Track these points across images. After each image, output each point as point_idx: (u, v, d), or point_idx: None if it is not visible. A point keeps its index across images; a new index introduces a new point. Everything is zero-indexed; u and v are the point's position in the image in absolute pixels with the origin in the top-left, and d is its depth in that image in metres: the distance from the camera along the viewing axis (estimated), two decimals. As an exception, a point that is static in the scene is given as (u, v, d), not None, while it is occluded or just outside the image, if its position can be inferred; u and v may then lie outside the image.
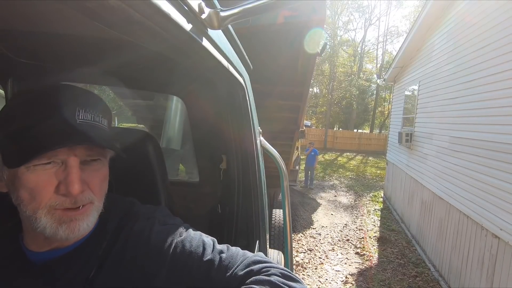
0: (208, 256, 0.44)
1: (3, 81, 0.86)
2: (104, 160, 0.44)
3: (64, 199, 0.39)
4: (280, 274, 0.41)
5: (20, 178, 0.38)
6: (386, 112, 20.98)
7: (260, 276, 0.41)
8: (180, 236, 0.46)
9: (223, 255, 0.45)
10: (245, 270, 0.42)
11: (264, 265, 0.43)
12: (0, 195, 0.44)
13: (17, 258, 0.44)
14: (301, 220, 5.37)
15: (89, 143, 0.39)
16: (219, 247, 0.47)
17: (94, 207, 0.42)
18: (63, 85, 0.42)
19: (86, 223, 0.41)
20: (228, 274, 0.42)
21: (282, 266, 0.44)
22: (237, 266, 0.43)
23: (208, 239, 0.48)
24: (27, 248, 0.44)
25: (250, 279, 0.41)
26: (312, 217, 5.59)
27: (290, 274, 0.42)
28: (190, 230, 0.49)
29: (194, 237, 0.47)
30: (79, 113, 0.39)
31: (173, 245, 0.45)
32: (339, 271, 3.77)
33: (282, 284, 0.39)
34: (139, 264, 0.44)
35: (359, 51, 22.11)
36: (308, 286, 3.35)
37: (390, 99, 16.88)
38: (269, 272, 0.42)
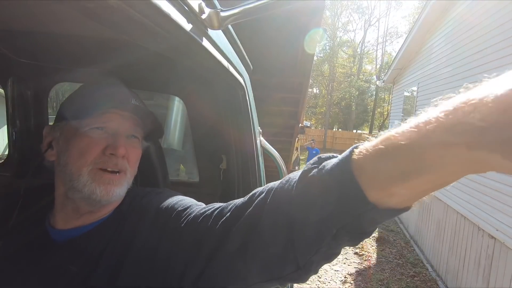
0: (187, 205, 0.46)
1: (3, 81, 0.86)
2: (141, 143, 0.51)
3: (108, 159, 0.45)
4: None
5: (77, 138, 0.45)
6: (386, 113, 21.02)
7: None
8: (168, 197, 0.50)
9: (201, 206, 0.46)
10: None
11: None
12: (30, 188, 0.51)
13: (42, 239, 0.47)
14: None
15: (139, 116, 0.49)
16: (199, 203, 0.49)
17: (127, 178, 0.48)
18: (117, 82, 0.53)
19: (119, 190, 0.46)
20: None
21: None
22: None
23: (195, 201, 0.50)
24: (52, 228, 0.48)
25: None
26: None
27: None
28: (181, 195, 0.53)
29: (181, 197, 0.51)
30: (132, 99, 0.49)
31: (159, 204, 0.48)
32: (338, 271, 3.77)
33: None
34: (136, 232, 0.46)
35: (359, 52, 22.15)
36: (307, 286, 3.35)
37: (389, 100, 16.94)
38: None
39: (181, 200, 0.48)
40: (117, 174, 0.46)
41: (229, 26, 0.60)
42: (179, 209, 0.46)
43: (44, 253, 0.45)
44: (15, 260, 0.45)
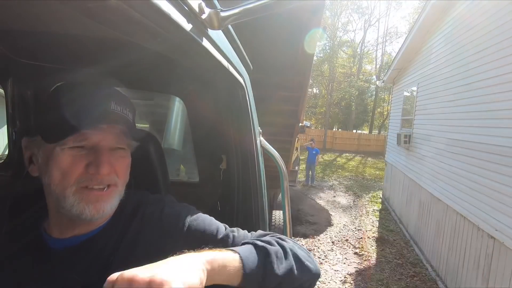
0: (221, 235, 0.47)
1: (3, 81, 0.86)
2: (128, 150, 0.49)
3: (92, 177, 0.43)
4: (276, 237, 0.47)
5: (55, 158, 0.42)
6: (385, 113, 21.03)
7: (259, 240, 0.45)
8: (192, 216, 0.49)
9: (235, 234, 0.48)
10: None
11: (268, 234, 0.49)
12: (20, 191, 0.49)
13: (37, 245, 0.46)
14: (300, 220, 5.37)
15: (120, 124, 0.45)
16: (230, 229, 0.50)
17: (117, 191, 0.46)
18: (101, 83, 0.48)
19: (110, 205, 0.44)
20: None
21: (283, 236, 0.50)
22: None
23: (219, 222, 0.51)
24: (49, 236, 0.46)
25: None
26: (311, 218, 5.60)
27: (284, 237, 0.48)
28: (200, 213, 0.51)
29: (206, 218, 0.50)
30: (112, 104, 0.45)
31: (187, 224, 0.47)
32: (338, 271, 3.77)
33: (274, 238, 0.45)
34: (152, 245, 0.46)
35: (359, 52, 22.15)
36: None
37: (389, 100, 16.94)
38: (268, 236, 0.47)
39: (210, 225, 0.48)
40: (106, 189, 0.44)
41: (229, 26, 0.60)
42: (220, 237, 0.47)
43: (43, 262, 0.44)
44: (11, 268, 0.44)
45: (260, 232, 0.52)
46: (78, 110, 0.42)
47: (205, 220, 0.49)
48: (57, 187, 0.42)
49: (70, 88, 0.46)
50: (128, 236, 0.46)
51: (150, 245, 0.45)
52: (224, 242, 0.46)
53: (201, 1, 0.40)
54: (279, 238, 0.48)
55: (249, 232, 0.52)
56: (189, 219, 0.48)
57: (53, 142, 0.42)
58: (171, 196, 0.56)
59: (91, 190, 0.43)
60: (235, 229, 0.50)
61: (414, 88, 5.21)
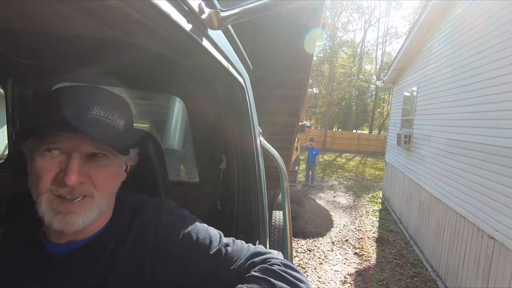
0: (214, 249, 0.46)
1: (3, 81, 0.86)
2: (113, 158, 0.44)
3: (62, 185, 0.40)
4: (280, 264, 0.44)
5: (33, 162, 0.41)
6: (385, 113, 21.04)
7: (264, 265, 0.43)
8: (187, 228, 0.48)
9: (229, 248, 0.47)
10: (248, 262, 0.45)
11: (265, 257, 0.46)
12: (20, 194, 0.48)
13: (35, 249, 0.45)
14: (300, 220, 5.37)
15: (100, 130, 0.40)
16: (225, 240, 0.49)
17: (94, 202, 0.42)
18: (87, 86, 0.44)
19: (82, 218, 0.40)
20: (233, 267, 0.45)
21: (282, 258, 0.47)
22: (241, 259, 0.45)
23: (214, 232, 0.50)
24: (47, 240, 0.45)
25: (254, 269, 0.43)
26: (311, 218, 5.60)
27: (289, 264, 0.45)
28: (197, 222, 0.50)
29: (201, 229, 0.48)
30: (93, 109, 0.41)
31: (180, 237, 0.46)
32: (338, 271, 3.77)
33: (283, 273, 0.42)
34: (148, 255, 0.45)
35: (359, 52, 22.16)
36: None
37: (389, 100, 16.93)
38: (271, 262, 0.44)
39: (204, 239, 0.47)
40: (78, 200, 0.40)
41: (229, 26, 0.60)
42: (212, 252, 0.46)
43: (41, 267, 0.43)
44: (8, 271, 0.43)
45: (258, 250, 0.48)
46: (56, 110, 0.40)
47: (199, 233, 0.47)
48: (34, 192, 0.40)
49: (59, 90, 0.44)
50: (127, 243, 0.45)
51: (145, 257, 0.45)
52: (217, 257, 0.45)
53: (201, 1, 0.40)
54: (285, 272, 0.42)
55: (247, 241, 0.51)
56: (182, 233, 0.46)
57: (25, 138, 0.41)
58: (171, 201, 0.54)
59: (62, 200, 0.40)
60: (230, 240, 0.49)
61: (414, 88, 5.21)
